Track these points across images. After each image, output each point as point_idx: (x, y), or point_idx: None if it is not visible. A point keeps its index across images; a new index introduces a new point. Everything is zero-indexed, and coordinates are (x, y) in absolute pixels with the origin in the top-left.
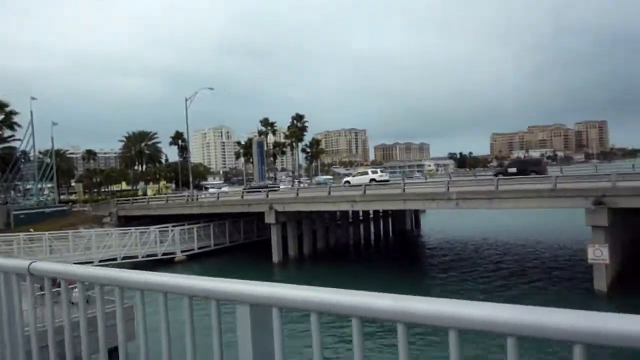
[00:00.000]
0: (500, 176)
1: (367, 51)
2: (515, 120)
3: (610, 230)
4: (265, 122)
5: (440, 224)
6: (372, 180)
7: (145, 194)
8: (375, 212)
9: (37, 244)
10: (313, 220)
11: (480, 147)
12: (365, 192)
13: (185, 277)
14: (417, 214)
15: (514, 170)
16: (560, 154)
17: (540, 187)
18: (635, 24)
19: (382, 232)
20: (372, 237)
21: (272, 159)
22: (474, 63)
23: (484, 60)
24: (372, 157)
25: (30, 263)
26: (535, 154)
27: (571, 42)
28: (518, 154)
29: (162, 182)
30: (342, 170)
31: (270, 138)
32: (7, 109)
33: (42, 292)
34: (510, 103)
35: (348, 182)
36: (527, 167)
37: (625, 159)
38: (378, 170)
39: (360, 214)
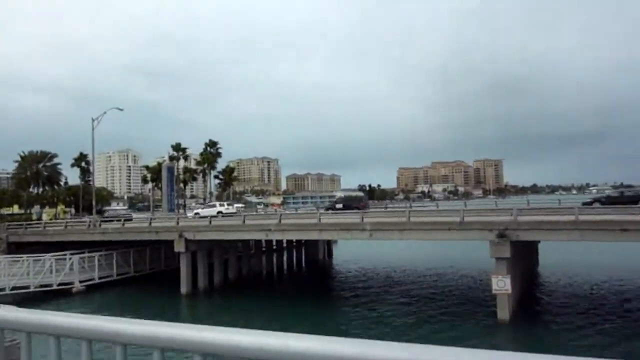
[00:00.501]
0: (330, 211)
1: (283, 82)
2: (421, 156)
3: (511, 261)
4: (177, 147)
5: (351, 253)
6: (219, 212)
7: (40, 218)
8: (289, 241)
9: None
10: (225, 249)
11: (388, 180)
12: (280, 221)
13: None
14: (329, 243)
15: (340, 206)
16: (460, 189)
17: (449, 219)
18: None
19: (294, 262)
20: (285, 266)
21: (182, 185)
22: (384, 98)
23: (394, 96)
24: (284, 186)
25: None
26: (438, 188)
27: (473, 82)
28: (422, 187)
29: (60, 207)
30: (254, 199)
31: (182, 163)
32: None
33: None
34: (417, 138)
35: (197, 213)
36: (352, 203)
37: (517, 195)
38: (225, 203)
39: (274, 243)
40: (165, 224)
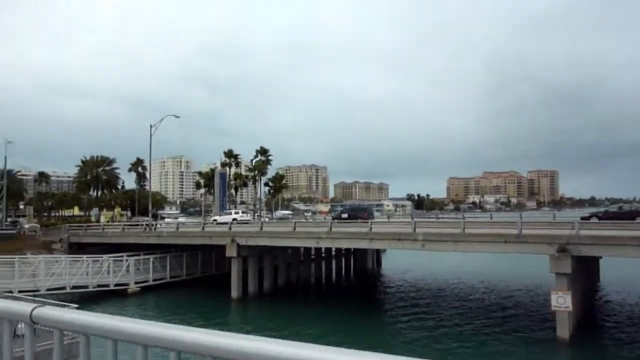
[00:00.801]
0: (336, 221)
1: (332, 91)
2: (472, 166)
3: (572, 277)
4: (229, 154)
5: (401, 263)
6: (234, 219)
7: (98, 220)
8: (338, 249)
9: None
10: (275, 255)
11: (437, 190)
12: (331, 229)
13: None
14: (378, 252)
15: (345, 215)
16: (513, 200)
17: (507, 232)
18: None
19: (343, 270)
20: (334, 274)
21: (233, 191)
22: (435, 108)
23: (444, 105)
24: (331, 194)
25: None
26: (489, 199)
27: (527, 92)
28: (473, 198)
29: (117, 209)
30: (301, 206)
31: (233, 170)
32: None
33: None
34: (468, 148)
35: (216, 220)
36: (357, 214)
37: (574, 207)
38: (240, 211)
39: (323, 250)
40: (218, 229)
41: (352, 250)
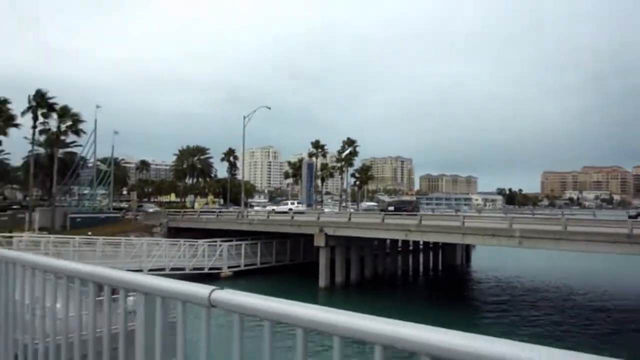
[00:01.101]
0: (382, 213)
1: (418, 80)
2: (568, 160)
3: None
4: (316, 145)
5: (491, 260)
6: (290, 209)
7: (193, 207)
8: (426, 242)
9: (90, 247)
10: (362, 246)
11: (530, 185)
12: (421, 222)
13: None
14: (468, 248)
15: (392, 208)
16: (616, 197)
17: (614, 231)
18: None
19: (431, 264)
20: (421, 268)
21: (319, 181)
22: (526, 99)
23: (536, 96)
24: (417, 186)
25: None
26: (589, 195)
27: (630, 83)
28: (570, 194)
29: (210, 197)
30: (386, 198)
31: (320, 161)
32: (76, 117)
33: (100, 298)
34: (564, 141)
35: (274, 209)
36: (402, 206)
37: None
38: (295, 202)
39: (411, 244)
40: (307, 218)
41: (441, 244)
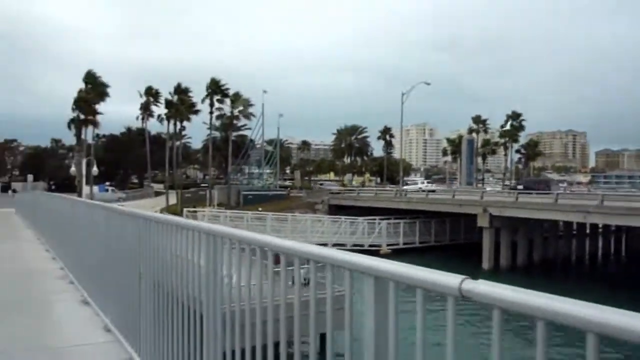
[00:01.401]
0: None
1: (599, 46)
2: None
3: None
4: (477, 120)
5: None
6: (419, 189)
7: (351, 185)
8: (605, 225)
9: (260, 222)
10: (530, 228)
11: None
12: (602, 202)
13: None
14: None
15: (521, 187)
16: None
17: None
18: None
19: (612, 250)
20: (599, 254)
21: (480, 158)
22: None
23: None
24: (592, 163)
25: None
26: None
27: None
28: None
29: (366, 175)
30: (555, 176)
31: (481, 137)
32: (248, 102)
33: (277, 269)
34: None
35: (406, 190)
36: (533, 185)
37: None
38: (425, 181)
39: (588, 226)
40: (469, 197)
41: (624, 228)
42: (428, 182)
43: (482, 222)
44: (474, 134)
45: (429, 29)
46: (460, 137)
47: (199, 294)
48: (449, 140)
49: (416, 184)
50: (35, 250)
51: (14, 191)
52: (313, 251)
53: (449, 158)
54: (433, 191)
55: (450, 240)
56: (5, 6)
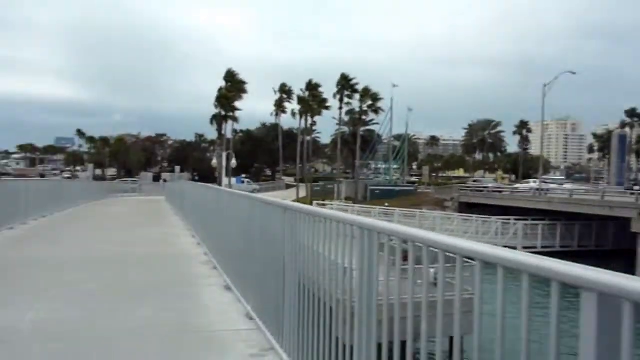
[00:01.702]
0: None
1: None
2: None
3: None
4: (631, 113)
5: None
6: (530, 188)
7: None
8: None
9: (387, 217)
10: None
11: None
12: None
13: None
14: None
15: (638, 188)
16: None
17: None
18: None
19: None
20: None
21: (634, 156)
22: None
23: None
24: None
25: None
26: None
27: None
28: None
29: (499, 173)
30: None
31: (634, 132)
32: (376, 97)
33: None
34: None
35: (517, 188)
36: None
37: None
38: (537, 180)
39: None
40: (622, 199)
41: None
42: (566, 182)
43: (637, 227)
44: (627, 129)
45: (572, 13)
46: (610, 132)
47: (350, 294)
48: (595, 135)
49: (555, 182)
50: (183, 235)
51: (165, 181)
52: (499, 254)
53: (595, 155)
54: (548, 190)
55: (595, 245)
56: (161, 18)
